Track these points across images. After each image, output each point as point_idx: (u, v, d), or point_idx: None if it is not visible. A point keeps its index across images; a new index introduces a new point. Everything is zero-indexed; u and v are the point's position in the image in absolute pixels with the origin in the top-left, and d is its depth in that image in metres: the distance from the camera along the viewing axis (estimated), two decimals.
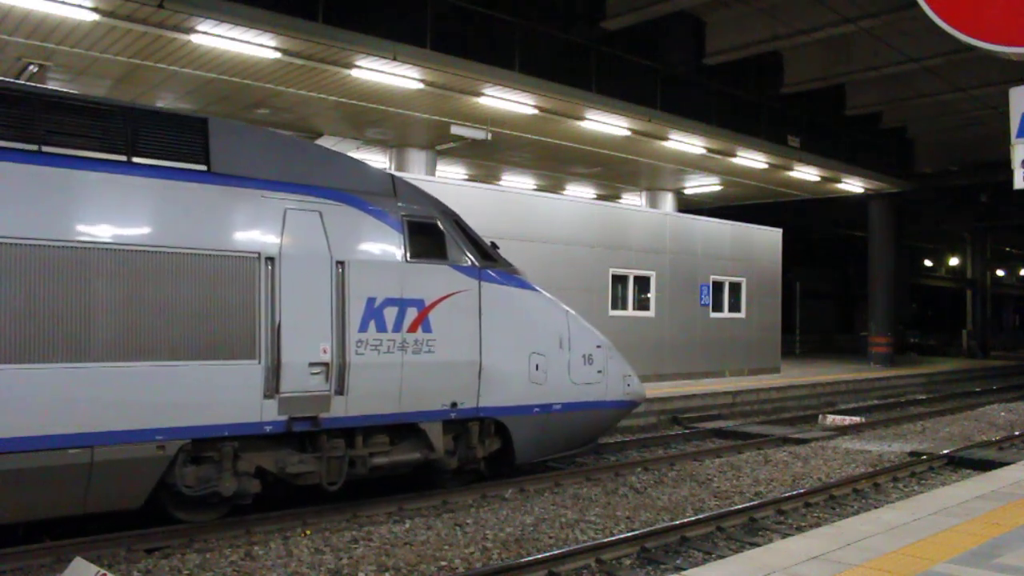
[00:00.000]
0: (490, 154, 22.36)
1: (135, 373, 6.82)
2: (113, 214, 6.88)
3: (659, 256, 19.75)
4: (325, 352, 7.74)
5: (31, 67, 14.38)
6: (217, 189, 7.45)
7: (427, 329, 8.45)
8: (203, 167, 7.45)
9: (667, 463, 11.32)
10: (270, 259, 7.54)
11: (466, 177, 25.29)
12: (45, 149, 6.68)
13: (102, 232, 6.78)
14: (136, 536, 7.09)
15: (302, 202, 7.88)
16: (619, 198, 29.60)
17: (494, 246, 9.52)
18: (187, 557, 6.83)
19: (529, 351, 9.33)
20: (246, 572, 6.53)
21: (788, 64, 23.65)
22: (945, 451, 12.32)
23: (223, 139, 7.67)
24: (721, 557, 6.88)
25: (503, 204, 16.66)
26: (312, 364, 7.67)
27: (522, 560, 6.67)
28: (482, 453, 9.20)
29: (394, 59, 14.59)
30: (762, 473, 10.87)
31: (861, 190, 29.18)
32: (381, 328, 8.12)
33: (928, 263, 52.69)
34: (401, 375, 8.25)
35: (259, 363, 7.40)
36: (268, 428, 7.49)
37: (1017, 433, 14.36)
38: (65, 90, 7.54)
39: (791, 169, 24.93)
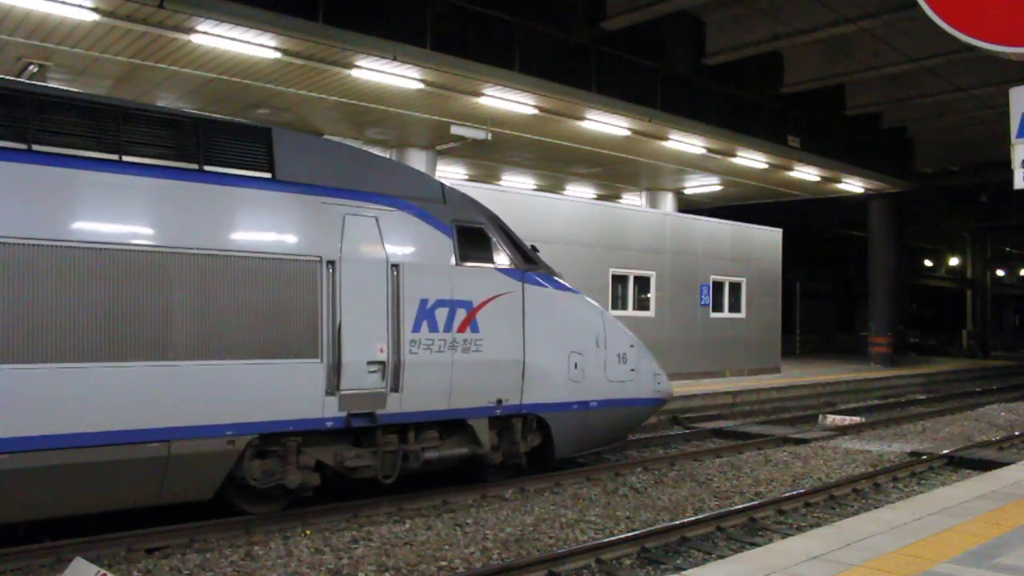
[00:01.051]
0: (490, 154, 22.36)
1: (209, 371, 7.14)
2: (188, 220, 7.20)
3: (659, 256, 19.75)
4: (382, 351, 8.07)
5: (31, 67, 14.39)
6: (281, 196, 7.79)
7: (475, 329, 8.81)
8: (268, 175, 7.78)
9: (667, 463, 11.32)
10: (331, 263, 7.87)
11: (466, 177, 25.28)
12: (125, 159, 7.00)
13: (179, 237, 7.10)
14: (136, 536, 7.09)
15: (359, 208, 8.21)
16: (619, 198, 29.59)
17: (534, 249, 9.90)
18: (187, 557, 6.83)
19: (568, 350, 9.69)
20: (246, 572, 6.53)
21: (788, 64, 23.65)
22: (945, 451, 12.31)
23: (286, 148, 7.99)
24: (721, 557, 6.87)
25: (503, 204, 16.49)
26: (370, 363, 8.01)
27: (522, 560, 6.68)
28: (524, 448, 9.53)
29: (394, 59, 14.59)
30: (762, 473, 10.86)
31: (861, 190, 29.18)
32: (433, 328, 8.47)
33: (928, 263, 52.67)
34: (451, 373, 8.60)
35: (321, 362, 7.72)
36: (329, 424, 7.83)
37: (1017, 433, 14.35)
38: (142, 101, 7.88)
39: (791, 169, 24.93)
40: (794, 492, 9.44)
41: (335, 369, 7.76)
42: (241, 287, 7.35)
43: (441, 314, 8.53)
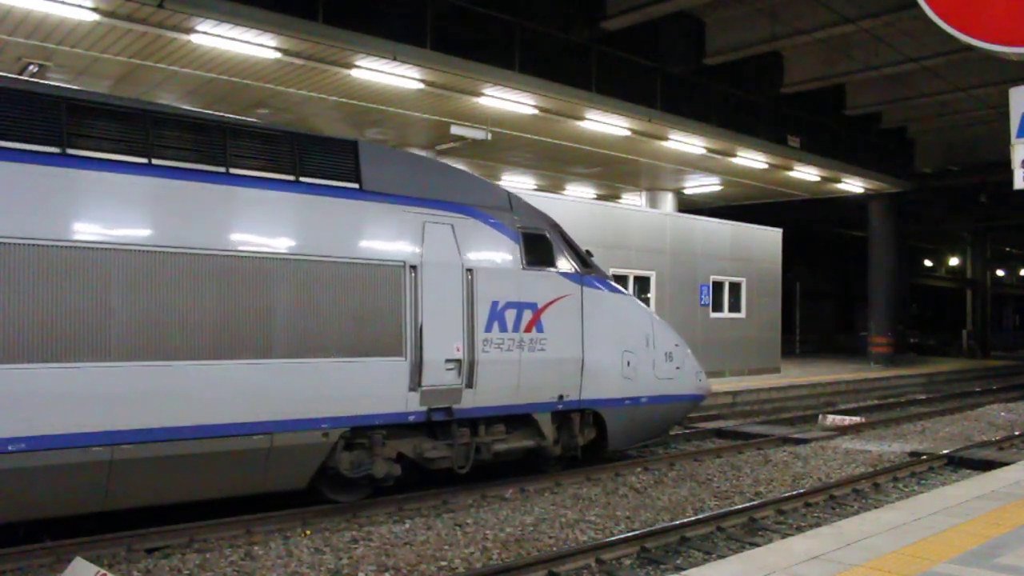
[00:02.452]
0: (490, 154, 22.35)
1: (307, 369, 7.66)
2: (287, 227, 7.73)
3: (659, 256, 19.75)
4: (458, 350, 8.64)
5: (31, 67, 14.39)
6: (368, 205, 8.31)
7: (540, 329, 9.39)
8: (355, 185, 8.29)
9: (667, 463, 11.33)
10: (413, 267, 8.42)
11: None
12: (232, 171, 7.51)
13: (279, 243, 7.64)
14: (136, 536, 7.09)
15: (437, 216, 8.75)
16: (619, 198, 29.59)
17: (589, 254, 10.42)
18: (187, 557, 6.84)
19: (622, 349, 10.25)
20: (246, 572, 6.54)
21: (788, 64, 23.65)
22: (945, 451, 12.31)
23: (370, 159, 8.50)
24: (721, 557, 6.87)
25: None
26: (448, 361, 8.57)
27: (522, 560, 6.68)
28: (582, 441, 10.09)
29: (394, 59, 14.59)
30: (762, 473, 10.87)
31: (861, 190, 29.18)
32: (503, 328, 9.05)
33: (928, 263, 52.66)
34: (519, 370, 9.17)
35: (405, 360, 8.28)
36: (411, 418, 8.39)
37: (1017, 433, 14.35)
38: (246, 118, 8.60)
39: (791, 169, 24.93)
40: (794, 492, 9.45)
41: (417, 367, 8.30)
42: (335, 290, 7.85)
43: (510, 315, 9.10)
